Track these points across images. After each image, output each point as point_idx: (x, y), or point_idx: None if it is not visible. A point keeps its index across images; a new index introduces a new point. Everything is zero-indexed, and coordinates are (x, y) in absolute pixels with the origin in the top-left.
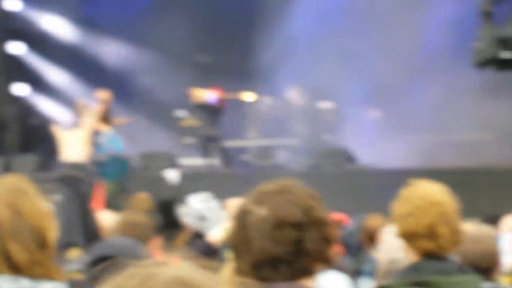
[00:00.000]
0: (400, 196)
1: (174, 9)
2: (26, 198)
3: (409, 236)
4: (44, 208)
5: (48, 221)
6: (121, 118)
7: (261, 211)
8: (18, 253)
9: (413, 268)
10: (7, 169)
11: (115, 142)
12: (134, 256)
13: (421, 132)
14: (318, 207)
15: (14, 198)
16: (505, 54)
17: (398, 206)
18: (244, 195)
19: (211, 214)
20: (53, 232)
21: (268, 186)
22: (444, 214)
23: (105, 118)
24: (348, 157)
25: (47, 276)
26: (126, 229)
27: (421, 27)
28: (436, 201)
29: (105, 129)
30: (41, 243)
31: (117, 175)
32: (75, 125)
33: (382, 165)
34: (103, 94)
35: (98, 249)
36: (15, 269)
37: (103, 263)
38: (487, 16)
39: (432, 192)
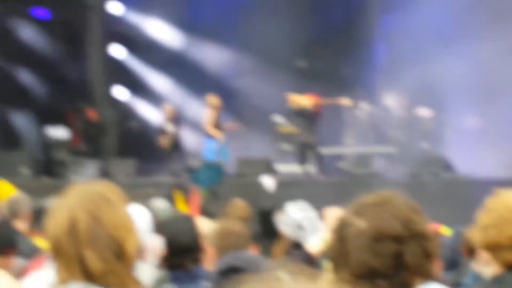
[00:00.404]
0: (485, 206)
1: (274, 13)
2: (109, 206)
3: (492, 248)
4: (126, 219)
5: (128, 232)
6: (231, 124)
7: (360, 224)
8: (93, 261)
9: (497, 280)
10: (105, 173)
11: (223, 151)
12: (259, 269)
13: None
14: (419, 220)
15: (96, 206)
16: None
17: (482, 216)
18: (343, 205)
19: (308, 224)
20: (132, 243)
21: (368, 197)
22: None
23: (216, 124)
24: (446, 166)
25: (122, 286)
26: (223, 237)
27: None
28: None
29: (218, 135)
30: (118, 253)
31: (209, 181)
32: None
33: (480, 175)
34: (214, 100)
35: (227, 260)
36: (89, 277)
37: (231, 274)
38: None
39: None
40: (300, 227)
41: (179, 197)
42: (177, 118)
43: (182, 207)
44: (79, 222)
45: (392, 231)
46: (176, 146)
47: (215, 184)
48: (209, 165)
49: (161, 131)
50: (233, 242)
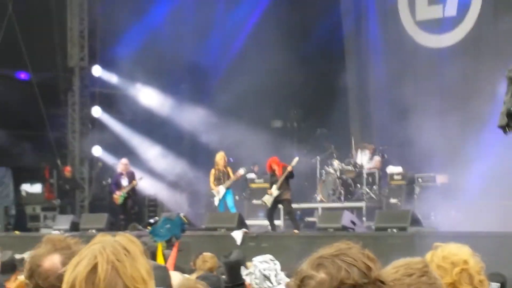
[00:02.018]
0: (425, 259)
1: (250, 74)
2: (129, 259)
3: None
4: (145, 272)
5: (146, 286)
6: (236, 174)
7: (320, 275)
8: None
9: None
10: (77, 227)
11: (228, 199)
12: None
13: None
14: (375, 267)
15: (117, 257)
16: None
17: None
18: (302, 260)
19: (274, 276)
20: None
21: (325, 249)
22: (466, 273)
23: (219, 179)
24: (414, 220)
25: None
26: None
27: None
28: (458, 261)
29: (215, 189)
30: None
31: (169, 235)
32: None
33: (446, 229)
34: (218, 157)
35: None
36: None
37: None
38: None
39: (454, 253)
40: (266, 278)
41: (160, 250)
42: (132, 173)
43: (160, 260)
44: (99, 270)
45: (351, 279)
46: (129, 200)
47: (177, 237)
48: (169, 219)
49: (117, 187)
50: None
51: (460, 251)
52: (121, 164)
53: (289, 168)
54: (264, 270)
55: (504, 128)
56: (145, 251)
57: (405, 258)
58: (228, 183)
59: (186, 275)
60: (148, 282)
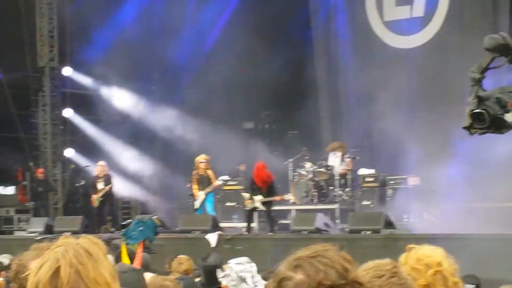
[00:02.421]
0: (399, 261)
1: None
2: (92, 262)
3: None
4: (108, 275)
5: None
6: (215, 183)
7: (298, 276)
8: None
9: None
10: (51, 230)
11: (208, 203)
12: None
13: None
14: (352, 269)
15: (80, 260)
16: None
17: None
18: (278, 262)
19: (250, 277)
20: None
21: (302, 251)
22: (440, 275)
23: (200, 182)
24: (387, 222)
25: None
26: None
27: None
28: (432, 263)
29: (196, 193)
30: None
31: (141, 237)
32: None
33: (419, 231)
34: (198, 159)
35: None
36: None
37: None
38: None
39: (428, 255)
40: (242, 280)
41: (124, 251)
42: (109, 176)
43: (126, 261)
44: (61, 273)
45: (329, 280)
46: (105, 203)
47: (150, 240)
48: (141, 221)
49: (93, 189)
50: None
51: (434, 253)
52: (97, 167)
53: (277, 198)
54: (241, 272)
55: (469, 129)
56: (120, 253)
57: (374, 261)
58: (207, 190)
59: None
60: (112, 285)
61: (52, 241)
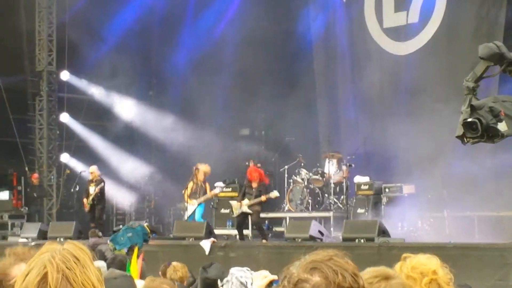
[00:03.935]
0: (394, 269)
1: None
2: (79, 266)
3: None
4: (95, 279)
5: None
6: (212, 192)
7: (315, 279)
8: None
9: None
10: (45, 235)
11: (197, 212)
12: None
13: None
14: (359, 275)
15: (67, 265)
16: None
17: None
18: (280, 268)
19: (250, 284)
20: None
21: (314, 255)
22: (435, 284)
23: (194, 193)
24: (381, 231)
25: None
26: None
27: None
28: (427, 272)
29: (192, 203)
30: None
31: (130, 243)
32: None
33: (413, 239)
34: (203, 169)
35: None
36: None
37: None
38: None
39: (423, 263)
40: (242, 285)
41: (134, 256)
42: (100, 181)
43: (134, 267)
44: (49, 279)
45: (346, 283)
46: (95, 207)
47: (138, 246)
48: (131, 228)
49: (85, 193)
50: None
51: (429, 262)
52: (90, 172)
53: (262, 198)
54: (241, 277)
55: (462, 138)
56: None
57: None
58: (202, 199)
59: None
60: None
61: (28, 245)
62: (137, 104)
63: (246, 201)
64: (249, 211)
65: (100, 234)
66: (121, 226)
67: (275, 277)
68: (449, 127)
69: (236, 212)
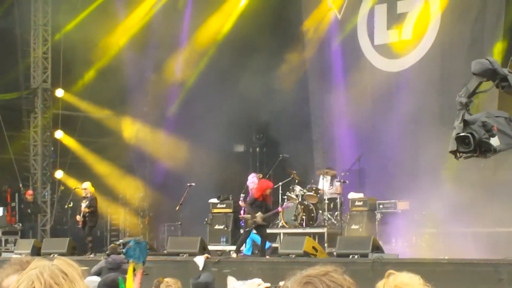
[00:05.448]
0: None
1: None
2: (67, 282)
3: None
4: None
5: None
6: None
7: None
8: None
9: None
10: (39, 252)
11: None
12: None
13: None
14: None
15: (55, 280)
16: None
17: None
18: (287, 280)
19: None
20: None
21: (311, 270)
22: None
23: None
24: (375, 247)
25: None
26: None
27: None
28: None
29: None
30: None
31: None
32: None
33: (407, 255)
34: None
35: None
36: None
37: None
38: None
39: (406, 283)
40: None
41: (130, 272)
42: (92, 197)
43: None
44: None
45: None
46: (87, 223)
47: (143, 262)
48: (138, 242)
49: (78, 210)
50: None
51: (412, 281)
52: (82, 188)
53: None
54: (239, 286)
55: (455, 153)
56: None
57: None
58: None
59: None
60: None
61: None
62: (132, 121)
63: (259, 214)
64: (264, 223)
65: (89, 253)
66: (125, 240)
67: (268, 285)
68: (443, 143)
69: (250, 225)
